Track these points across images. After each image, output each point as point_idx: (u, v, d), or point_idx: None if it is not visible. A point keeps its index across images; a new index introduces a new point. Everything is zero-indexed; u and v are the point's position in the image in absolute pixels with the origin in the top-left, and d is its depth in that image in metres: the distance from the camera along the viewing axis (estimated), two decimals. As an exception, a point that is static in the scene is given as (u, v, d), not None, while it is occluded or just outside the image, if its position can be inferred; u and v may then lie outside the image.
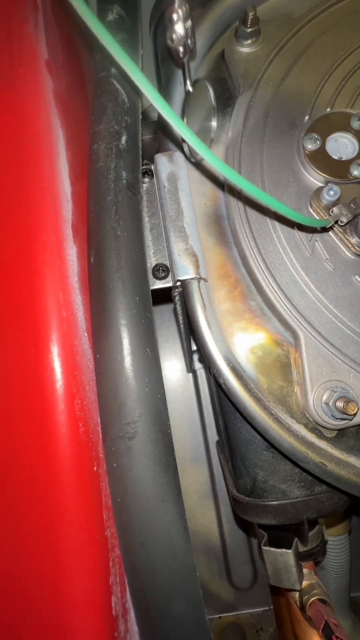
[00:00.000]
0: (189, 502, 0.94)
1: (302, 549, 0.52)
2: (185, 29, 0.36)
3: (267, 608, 0.90)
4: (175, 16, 0.35)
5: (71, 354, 0.30)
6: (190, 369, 0.91)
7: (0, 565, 0.29)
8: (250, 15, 0.49)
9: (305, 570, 0.53)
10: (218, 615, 0.91)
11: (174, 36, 0.36)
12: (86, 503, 0.29)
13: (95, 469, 0.30)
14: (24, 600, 0.28)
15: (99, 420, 0.32)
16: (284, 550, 0.50)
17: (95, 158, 0.35)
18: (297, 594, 0.52)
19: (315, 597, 0.49)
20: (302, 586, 0.52)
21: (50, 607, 0.27)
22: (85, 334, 0.33)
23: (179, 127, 0.29)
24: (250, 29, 0.50)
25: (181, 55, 0.38)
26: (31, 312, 0.30)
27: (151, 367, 0.32)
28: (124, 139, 0.36)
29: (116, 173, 0.35)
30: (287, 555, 0.49)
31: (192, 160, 0.49)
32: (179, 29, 0.36)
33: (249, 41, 0.52)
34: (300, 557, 0.51)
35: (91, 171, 0.35)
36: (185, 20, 0.36)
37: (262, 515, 0.48)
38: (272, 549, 0.51)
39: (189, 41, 0.38)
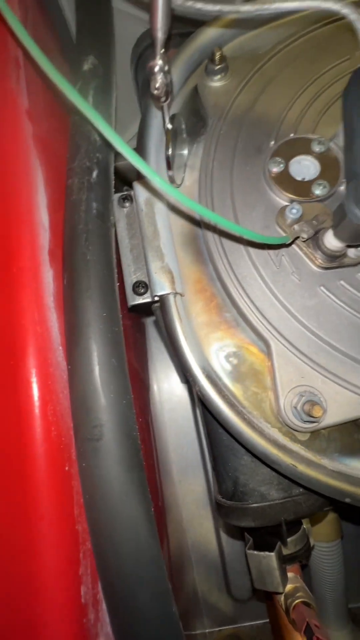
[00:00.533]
0: (186, 512, 0.94)
1: (286, 552, 0.54)
2: (166, 78, 0.41)
3: (267, 620, 0.89)
4: (157, 68, 0.40)
5: (45, 366, 0.34)
6: (184, 379, 0.94)
7: None
8: (217, 54, 0.55)
9: (290, 574, 0.54)
10: (218, 629, 0.90)
11: (158, 85, 0.41)
12: (56, 499, 0.32)
13: (67, 468, 0.33)
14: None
15: (72, 424, 0.35)
16: (266, 553, 0.51)
17: (70, 192, 0.40)
18: (282, 598, 0.53)
19: (299, 600, 0.50)
20: (287, 590, 0.53)
21: (22, 592, 0.30)
22: (60, 347, 0.37)
23: (150, 175, 0.33)
24: (218, 66, 0.55)
25: (162, 101, 0.43)
26: (9, 329, 0.34)
27: (117, 375, 0.36)
28: (94, 173, 0.41)
29: (87, 204, 0.40)
30: (269, 558, 0.51)
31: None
32: (161, 79, 0.41)
33: (218, 76, 0.57)
34: (284, 560, 0.53)
35: (66, 203, 0.40)
36: (166, 73, 0.41)
37: (242, 518, 0.49)
38: (255, 552, 0.52)
39: (169, 89, 0.43)
